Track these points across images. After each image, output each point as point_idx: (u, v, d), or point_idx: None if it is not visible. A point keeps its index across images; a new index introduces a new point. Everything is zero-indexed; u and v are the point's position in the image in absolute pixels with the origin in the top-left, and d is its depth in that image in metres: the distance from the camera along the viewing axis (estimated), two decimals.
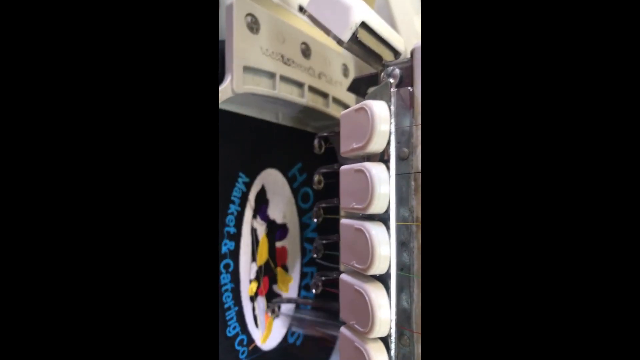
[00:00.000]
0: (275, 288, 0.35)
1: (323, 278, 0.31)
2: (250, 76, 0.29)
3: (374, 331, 0.21)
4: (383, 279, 0.22)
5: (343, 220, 0.24)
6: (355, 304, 0.22)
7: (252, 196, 0.34)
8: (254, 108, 0.34)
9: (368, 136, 0.21)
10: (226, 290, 0.31)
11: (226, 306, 0.31)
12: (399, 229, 0.21)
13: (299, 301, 0.36)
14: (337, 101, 0.37)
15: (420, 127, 0.20)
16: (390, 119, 0.21)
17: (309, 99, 0.34)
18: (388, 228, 0.21)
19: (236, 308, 0.32)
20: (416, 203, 0.20)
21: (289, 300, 0.36)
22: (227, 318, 0.31)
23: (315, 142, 0.31)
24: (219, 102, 0.27)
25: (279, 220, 0.36)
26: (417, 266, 0.20)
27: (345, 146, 0.23)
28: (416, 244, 0.20)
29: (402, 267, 0.21)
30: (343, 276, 0.24)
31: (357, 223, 0.22)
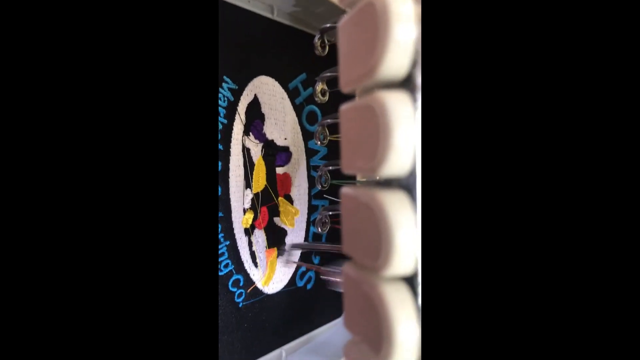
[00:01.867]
0: (277, 221, 0.30)
1: (330, 213, 0.24)
2: None
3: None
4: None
5: (344, 190, 0.16)
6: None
7: (241, 107, 0.27)
8: None
9: (378, 50, 0.12)
10: None
11: None
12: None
13: (313, 247, 0.30)
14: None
15: None
16: (417, 15, 0.12)
17: None
18: (413, 199, 0.13)
19: (227, 242, 0.26)
20: None
21: (299, 247, 0.30)
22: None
23: (316, 39, 0.24)
24: None
25: (278, 141, 0.30)
26: None
27: (346, 75, 0.15)
28: None
29: None
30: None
31: (362, 193, 0.14)
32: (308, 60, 0.32)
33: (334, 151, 0.33)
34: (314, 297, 0.33)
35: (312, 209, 0.32)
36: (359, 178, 0.25)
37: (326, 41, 0.25)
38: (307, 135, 0.32)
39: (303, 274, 0.32)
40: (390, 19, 0.12)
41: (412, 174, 0.13)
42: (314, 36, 0.32)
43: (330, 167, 0.25)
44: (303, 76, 0.31)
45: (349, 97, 0.16)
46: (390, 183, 0.14)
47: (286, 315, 0.31)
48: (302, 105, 0.32)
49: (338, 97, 0.22)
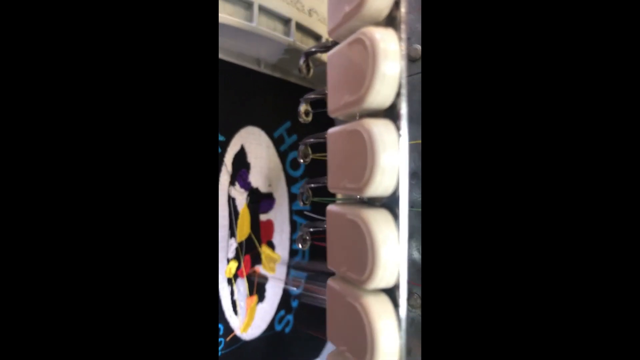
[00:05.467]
0: (260, 269, 0.30)
1: (311, 230, 0.25)
2: (221, 3, 0.23)
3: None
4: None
5: (330, 207, 0.17)
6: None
7: (228, 159, 0.28)
8: (229, 51, 0.27)
9: (367, 82, 0.14)
10: None
11: None
12: (412, 218, 0.15)
13: (293, 264, 0.30)
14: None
15: None
16: (402, 51, 0.14)
17: (297, 39, 0.28)
18: (396, 217, 0.15)
19: None
20: None
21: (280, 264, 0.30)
22: None
23: (301, 107, 0.25)
24: None
25: (262, 188, 0.31)
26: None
27: (335, 101, 0.16)
28: None
29: (412, 204, 0.15)
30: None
31: (349, 211, 0.15)
32: (292, 108, 0.33)
33: (315, 170, 0.33)
34: (293, 340, 0.33)
35: (293, 253, 0.33)
36: (339, 197, 0.25)
37: (310, 64, 0.25)
38: (290, 181, 0.33)
39: (281, 318, 0.32)
40: (378, 56, 0.13)
41: (395, 194, 0.14)
42: (297, 85, 0.33)
43: (312, 185, 0.25)
44: (287, 124, 0.32)
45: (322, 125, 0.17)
46: (373, 202, 0.16)
47: (264, 359, 0.31)
48: (286, 152, 0.33)
49: (319, 118, 0.23)
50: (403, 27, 0.14)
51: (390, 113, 0.15)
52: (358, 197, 0.16)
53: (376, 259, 0.14)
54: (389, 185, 0.14)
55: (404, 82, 0.14)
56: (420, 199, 0.15)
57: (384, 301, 0.15)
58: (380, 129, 0.14)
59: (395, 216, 0.15)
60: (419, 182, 0.15)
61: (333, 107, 0.16)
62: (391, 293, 0.15)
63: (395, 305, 0.15)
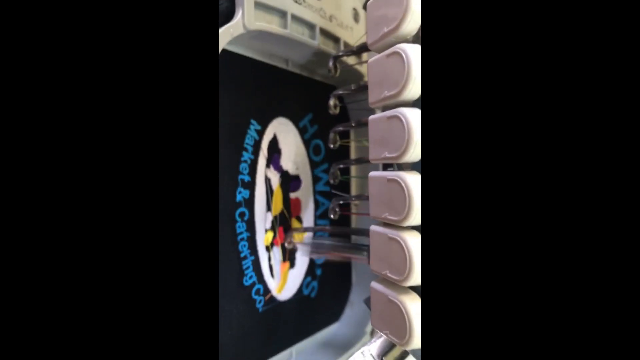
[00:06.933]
0: (292, 239, 0.35)
1: (341, 202, 0.31)
2: (261, 13, 0.28)
3: (412, 276, 0.19)
4: None
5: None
6: (389, 251, 0.21)
7: (264, 145, 0.33)
8: (263, 52, 0.32)
9: (403, 82, 0.19)
10: (242, 239, 0.30)
11: (242, 255, 0.30)
12: None
13: (315, 229, 0.36)
14: (347, 46, 0.36)
15: None
16: None
17: (320, 42, 0.33)
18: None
19: (252, 257, 0.31)
20: None
21: (305, 230, 0.36)
22: (244, 267, 0.30)
23: (331, 101, 0.30)
24: (229, 40, 0.26)
25: (291, 171, 0.35)
26: None
27: (375, 95, 0.22)
28: None
29: None
30: (373, 227, 0.23)
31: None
32: (314, 102, 0.38)
33: (338, 156, 0.38)
34: (317, 305, 0.38)
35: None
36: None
37: (337, 66, 0.31)
38: (313, 165, 0.38)
39: (308, 283, 0.37)
40: (411, 64, 0.19)
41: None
42: (318, 82, 0.38)
43: (341, 166, 0.31)
44: (310, 116, 0.37)
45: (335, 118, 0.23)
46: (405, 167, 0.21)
47: (295, 319, 0.36)
48: (310, 140, 0.37)
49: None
50: None
51: (417, 104, 0.20)
52: (395, 164, 0.21)
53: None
54: (418, 154, 0.20)
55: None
56: None
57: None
58: (413, 114, 0.19)
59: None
60: None
61: (374, 99, 0.22)
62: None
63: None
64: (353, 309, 0.42)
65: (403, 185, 0.19)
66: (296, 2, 0.30)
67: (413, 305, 0.19)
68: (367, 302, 0.25)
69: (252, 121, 0.31)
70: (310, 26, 0.32)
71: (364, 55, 0.32)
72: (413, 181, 0.19)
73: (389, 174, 0.21)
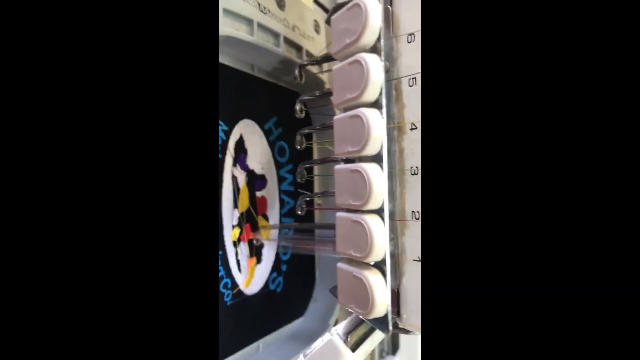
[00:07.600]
0: (257, 235, 0.36)
1: (307, 199, 0.33)
2: (229, 20, 0.30)
3: (373, 253, 0.21)
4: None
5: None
6: (352, 232, 0.23)
7: (231, 144, 0.34)
8: (230, 57, 0.34)
9: (363, 85, 0.22)
10: None
11: None
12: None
13: (283, 226, 0.38)
14: (310, 55, 0.38)
15: (400, 38, 0.22)
16: (382, 67, 0.22)
17: (284, 49, 0.35)
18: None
19: (220, 252, 0.32)
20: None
21: (273, 227, 0.38)
22: None
23: (297, 106, 0.32)
24: None
25: (257, 170, 0.37)
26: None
27: (339, 98, 0.24)
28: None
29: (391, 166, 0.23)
30: (339, 214, 0.25)
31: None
32: (278, 106, 0.40)
33: (302, 157, 0.41)
34: (282, 299, 0.40)
35: (283, 225, 0.40)
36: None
37: (303, 74, 0.33)
38: (278, 166, 0.40)
39: (274, 279, 0.39)
40: (370, 70, 0.22)
41: (379, 154, 0.23)
42: (281, 87, 0.40)
43: (307, 165, 0.33)
44: (275, 119, 0.39)
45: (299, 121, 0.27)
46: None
47: (262, 313, 0.37)
48: (275, 142, 0.39)
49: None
50: (382, 52, 0.22)
51: (376, 104, 0.23)
52: (356, 157, 0.24)
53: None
54: (377, 147, 0.22)
55: (383, 85, 0.22)
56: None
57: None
58: (372, 113, 0.22)
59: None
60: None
61: (337, 101, 0.24)
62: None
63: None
64: (317, 305, 0.44)
65: (364, 174, 0.22)
66: (262, 11, 0.32)
67: (375, 279, 0.22)
68: (334, 290, 0.27)
69: (220, 122, 0.33)
70: (275, 34, 0.34)
71: (325, 65, 0.35)
72: (373, 170, 0.22)
73: (352, 165, 0.23)
